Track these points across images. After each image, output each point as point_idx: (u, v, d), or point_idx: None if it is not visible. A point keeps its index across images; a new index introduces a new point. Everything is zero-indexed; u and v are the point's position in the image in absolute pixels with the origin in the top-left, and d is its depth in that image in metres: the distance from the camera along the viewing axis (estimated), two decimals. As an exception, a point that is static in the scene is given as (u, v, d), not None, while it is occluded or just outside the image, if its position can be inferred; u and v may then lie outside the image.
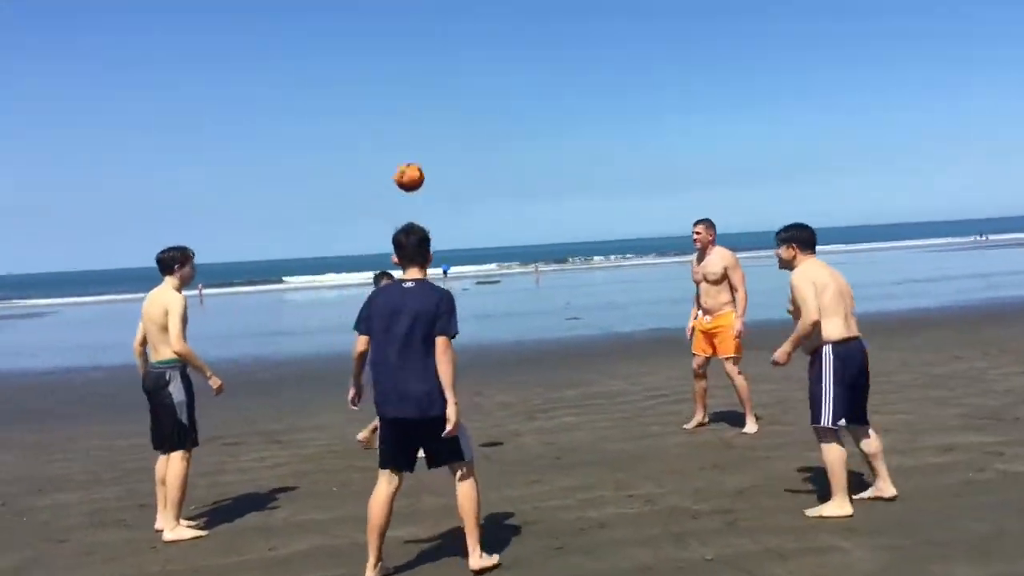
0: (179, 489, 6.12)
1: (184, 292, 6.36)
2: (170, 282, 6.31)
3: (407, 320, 4.90)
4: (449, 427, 4.85)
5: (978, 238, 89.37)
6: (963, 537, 5.12)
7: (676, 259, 74.22)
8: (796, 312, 5.79)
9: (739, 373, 8.28)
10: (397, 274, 5.64)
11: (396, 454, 5.04)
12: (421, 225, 5.15)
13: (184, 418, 6.25)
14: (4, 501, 7.45)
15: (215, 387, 6.27)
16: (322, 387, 13.16)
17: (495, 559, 5.12)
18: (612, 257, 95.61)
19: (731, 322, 8.26)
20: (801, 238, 5.91)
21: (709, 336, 8.39)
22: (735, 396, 8.49)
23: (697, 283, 8.45)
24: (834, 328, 5.68)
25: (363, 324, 5.09)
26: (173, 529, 6.09)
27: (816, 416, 5.70)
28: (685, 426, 8.59)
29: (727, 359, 8.29)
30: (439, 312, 4.92)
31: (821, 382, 5.68)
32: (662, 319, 21.73)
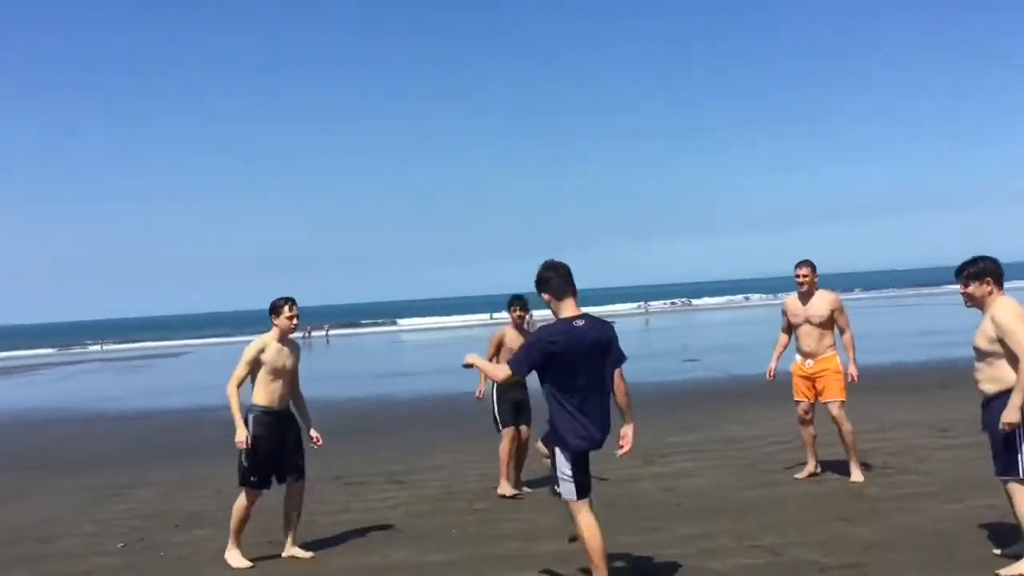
0: (232, 519, 6.67)
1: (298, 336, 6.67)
2: (273, 329, 6.67)
3: (598, 353, 5.11)
4: (626, 449, 5.26)
5: None
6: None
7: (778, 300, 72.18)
8: (988, 355, 5.33)
9: (846, 419, 7.95)
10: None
11: (588, 484, 5.24)
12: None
13: (241, 458, 6.63)
14: (143, 536, 7.82)
15: (237, 439, 6.54)
16: (438, 428, 13.35)
17: None
18: (725, 298, 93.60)
19: (835, 365, 8.01)
20: (995, 272, 5.40)
21: (811, 380, 8.11)
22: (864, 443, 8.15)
23: (797, 326, 8.20)
24: None
25: (524, 366, 5.14)
26: (228, 551, 6.68)
27: (1008, 468, 5.26)
28: (796, 476, 8.28)
29: (834, 403, 7.98)
30: (615, 345, 5.20)
31: (1016, 431, 5.18)
32: (782, 362, 21.03)
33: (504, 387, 8.74)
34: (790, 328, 8.33)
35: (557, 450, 5.17)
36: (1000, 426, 5.20)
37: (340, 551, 6.87)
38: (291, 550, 6.77)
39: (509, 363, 5.26)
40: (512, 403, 8.50)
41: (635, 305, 75.90)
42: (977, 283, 5.40)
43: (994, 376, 5.31)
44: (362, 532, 7.39)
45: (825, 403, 8.04)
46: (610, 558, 6.07)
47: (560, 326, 5.14)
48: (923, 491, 7.47)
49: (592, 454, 5.23)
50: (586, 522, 5.14)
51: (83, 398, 25.12)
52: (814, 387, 8.11)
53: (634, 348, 31.65)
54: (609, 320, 5.45)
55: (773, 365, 8.45)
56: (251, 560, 6.65)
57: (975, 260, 5.48)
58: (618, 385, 5.22)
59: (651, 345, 33.59)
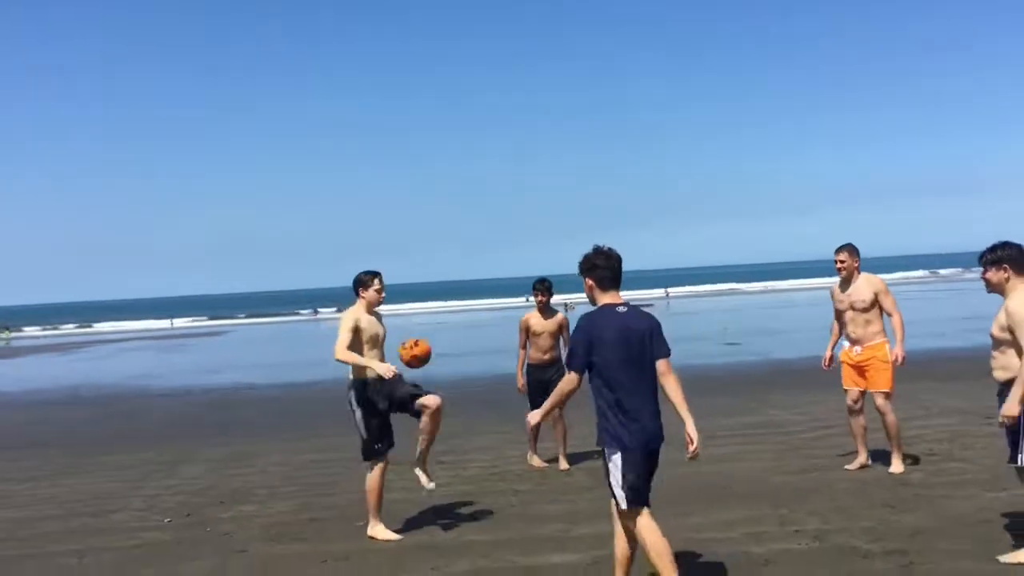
0: (368, 497, 6.76)
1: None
2: (358, 302, 6.82)
3: (640, 345, 4.79)
4: (694, 448, 4.82)
5: None
6: None
7: (823, 282, 71.33)
8: (1000, 343, 5.33)
9: (891, 410, 7.80)
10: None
11: (648, 489, 4.90)
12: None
13: (361, 431, 6.71)
14: (190, 511, 7.98)
15: (386, 373, 6.50)
16: (481, 410, 13.42)
17: None
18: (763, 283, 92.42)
19: (883, 354, 7.78)
20: (1014, 258, 5.35)
21: (860, 369, 7.94)
22: (887, 432, 7.97)
23: (842, 312, 8.05)
24: None
25: (579, 360, 4.82)
26: (371, 527, 6.76)
27: (1012, 456, 5.31)
28: (847, 467, 8.12)
29: (880, 393, 7.81)
30: (656, 335, 4.84)
31: (1020, 423, 5.19)
32: (823, 346, 20.81)
33: (536, 368, 8.81)
34: (840, 315, 8.16)
35: (606, 451, 4.85)
36: (999, 419, 5.20)
37: (389, 529, 6.94)
38: (418, 472, 6.93)
39: (567, 365, 4.92)
40: (539, 383, 8.63)
41: (660, 291, 75.32)
42: (995, 269, 5.38)
43: (1005, 364, 5.33)
44: (406, 512, 7.47)
45: (872, 392, 7.90)
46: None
47: (603, 312, 4.90)
48: (968, 479, 7.38)
49: None
50: (652, 531, 4.79)
51: (127, 375, 25.59)
52: (863, 375, 7.96)
53: (673, 331, 31.59)
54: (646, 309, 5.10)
55: (828, 354, 8.25)
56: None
57: (995, 247, 5.45)
58: (667, 378, 4.86)
59: (693, 328, 33.40)
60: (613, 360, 4.75)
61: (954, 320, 24.58)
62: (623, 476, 4.76)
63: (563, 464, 8.83)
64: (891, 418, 7.80)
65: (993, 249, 5.44)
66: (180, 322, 72.45)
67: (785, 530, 6.25)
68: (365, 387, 6.66)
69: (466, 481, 8.55)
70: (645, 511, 4.80)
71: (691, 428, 4.80)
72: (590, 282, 4.97)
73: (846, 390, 8.08)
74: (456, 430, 11.08)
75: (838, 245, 8.03)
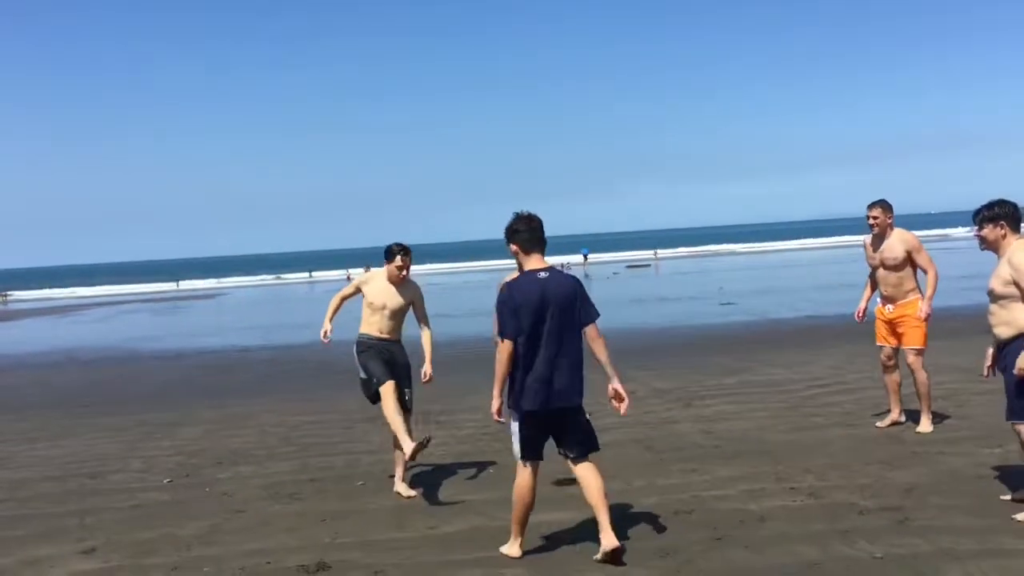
0: (391, 428, 6.73)
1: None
2: (385, 268, 6.99)
3: (556, 309, 4.95)
4: (624, 403, 5.14)
5: None
6: None
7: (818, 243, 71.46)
8: (1002, 297, 5.31)
9: (923, 367, 7.72)
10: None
11: (538, 448, 5.14)
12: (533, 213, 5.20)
13: (360, 373, 6.96)
14: (188, 472, 8.00)
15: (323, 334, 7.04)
16: (474, 370, 13.42)
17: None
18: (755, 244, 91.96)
19: (915, 311, 7.66)
20: (1010, 215, 5.39)
21: (892, 326, 7.84)
22: (913, 389, 7.99)
23: (874, 268, 7.95)
24: None
25: (511, 326, 4.98)
26: (402, 442, 6.66)
27: (1019, 413, 5.30)
28: (878, 424, 8.02)
29: (911, 350, 7.73)
30: (579, 300, 4.99)
31: None
32: (820, 306, 21.04)
33: None
34: (873, 271, 8.00)
35: (511, 407, 5.09)
36: (1015, 371, 5.18)
37: (383, 490, 6.98)
38: (398, 486, 6.92)
39: (499, 333, 5.05)
40: None
41: (650, 252, 75.21)
42: (991, 226, 5.44)
43: (1008, 319, 5.32)
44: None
45: (905, 348, 7.79)
46: (649, 501, 6.14)
47: (525, 278, 5.06)
48: (962, 435, 7.41)
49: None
50: (520, 476, 5.13)
51: (124, 338, 25.59)
52: (895, 333, 7.85)
53: (671, 291, 31.72)
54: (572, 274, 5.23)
55: (863, 306, 8.13)
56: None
57: (991, 204, 5.49)
58: (595, 343, 5.03)
59: (689, 288, 33.44)
60: (528, 325, 4.93)
61: (949, 279, 24.58)
62: (520, 431, 5.08)
63: None
64: (921, 376, 7.70)
65: (991, 206, 5.47)
66: (187, 284, 72.26)
67: (782, 487, 6.28)
68: (364, 339, 6.96)
69: (461, 441, 8.58)
70: (529, 466, 5.11)
71: (618, 385, 5.05)
72: (514, 247, 5.16)
73: (880, 347, 7.99)
74: (451, 391, 11.11)
75: (870, 201, 7.87)
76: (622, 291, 33.46)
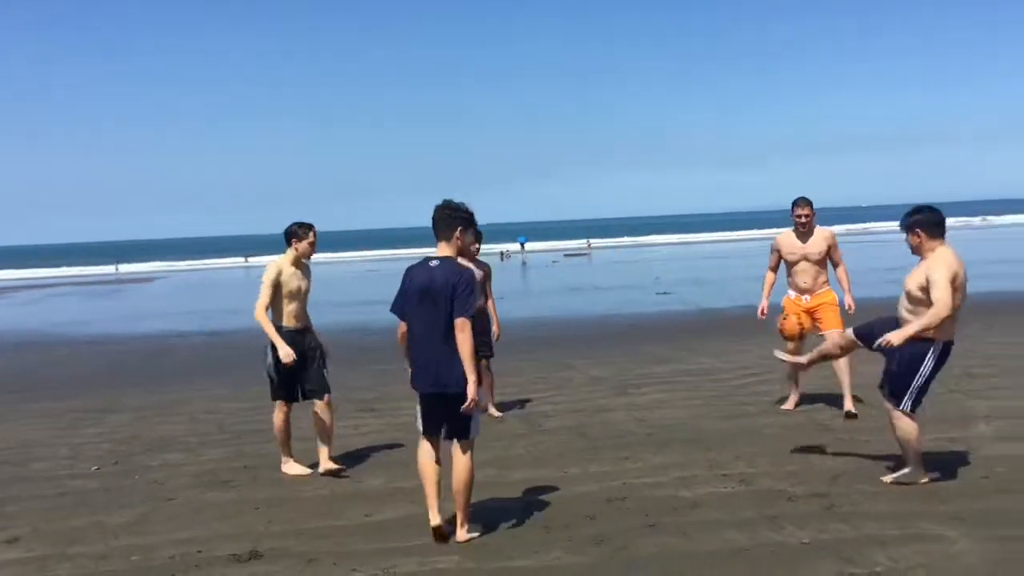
0: (277, 436, 7.11)
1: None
2: (288, 252, 6.93)
3: (433, 298, 5.11)
4: (468, 404, 5.09)
5: None
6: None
7: (750, 234, 72.93)
8: (916, 301, 5.69)
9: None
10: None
11: (430, 424, 5.38)
12: (463, 204, 5.29)
13: (271, 372, 6.92)
14: (117, 460, 7.84)
15: (284, 358, 6.73)
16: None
17: (479, 531, 5.39)
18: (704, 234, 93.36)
19: (832, 298, 8.15)
20: (925, 222, 5.78)
21: (809, 314, 8.14)
22: (832, 378, 8.29)
23: (793, 263, 8.24)
24: (949, 328, 5.70)
25: (396, 306, 5.34)
26: (283, 464, 7.11)
27: (896, 399, 5.83)
28: (783, 407, 8.42)
29: (832, 332, 7.88)
30: (457, 293, 5.07)
31: (915, 374, 5.74)
32: (754, 296, 21.22)
33: None
34: (778, 265, 8.40)
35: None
36: (882, 341, 5.65)
37: (316, 478, 6.93)
38: (325, 464, 6.99)
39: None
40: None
41: (583, 242, 75.61)
42: (909, 234, 5.85)
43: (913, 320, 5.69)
44: (335, 459, 7.46)
45: (824, 334, 8.02)
46: (582, 489, 6.20)
47: (420, 264, 5.29)
48: (886, 424, 7.59)
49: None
50: (420, 451, 5.41)
51: (54, 322, 24.90)
52: (812, 320, 8.11)
53: (608, 280, 31.95)
54: (470, 268, 5.28)
55: (764, 304, 8.49)
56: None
57: (910, 212, 5.91)
58: (458, 337, 5.06)
59: (627, 278, 33.75)
60: (411, 309, 5.23)
61: (875, 271, 25.25)
62: (418, 408, 5.40)
63: (494, 412, 8.87)
64: (845, 358, 7.92)
65: (908, 214, 5.88)
66: (127, 267, 70.11)
67: (713, 474, 6.40)
68: (279, 333, 6.84)
69: (397, 428, 8.54)
70: (426, 441, 5.39)
71: (471, 388, 5.06)
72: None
73: (787, 336, 8.20)
74: (388, 378, 11.07)
75: (795, 198, 8.27)
76: (561, 280, 33.63)
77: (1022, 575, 4.43)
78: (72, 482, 7.15)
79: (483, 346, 8.79)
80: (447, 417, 5.28)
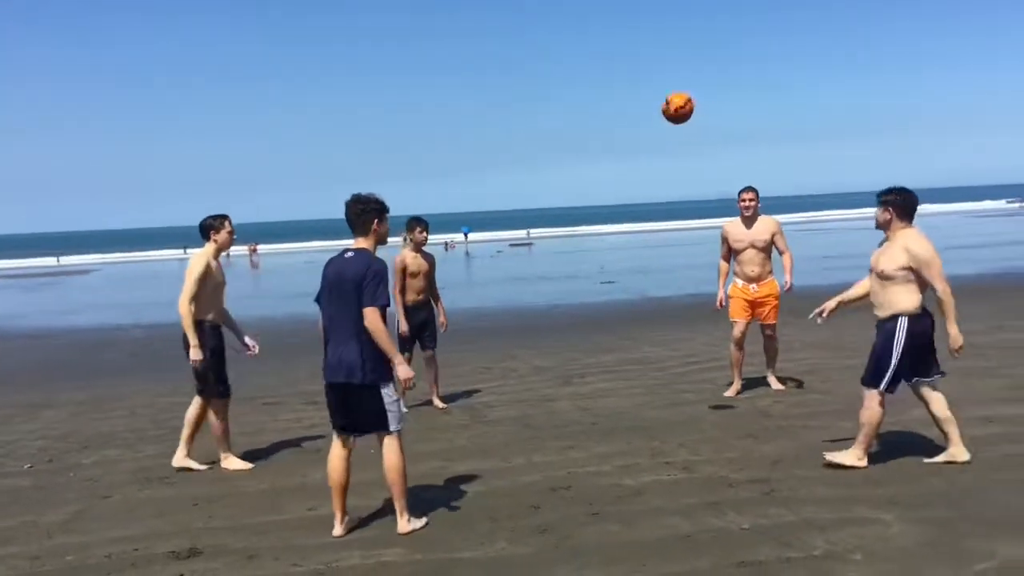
0: (186, 427, 7.05)
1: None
2: (208, 246, 6.78)
3: (344, 289, 5.10)
4: (406, 381, 5.12)
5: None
6: (1005, 513, 5.08)
7: (693, 223, 73.77)
8: (889, 279, 5.81)
9: (776, 338, 8.64)
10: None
11: (337, 418, 5.31)
12: (373, 195, 5.28)
13: (208, 372, 6.85)
14: (52, 457, 7.64)
15: (193, 356, 6.69)
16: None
17: (423, 521, 5.38)
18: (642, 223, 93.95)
19: (777, 291, 8.40)
20: (899, 203, 5.89)
21: (755, 304, 8.39)
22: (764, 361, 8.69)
23: (740, 251, 8.36)
24: (908, 299, 5.79)
25: (318, 296, 5.34)
26: (178, 457, 6.98)
27: (875, 380, 5.88)
28: (726, 394, 8.55)
29: (770, 325, 8.51)
30: (366, 283, 5.05)
31: (891, 354, 5.81)
32: (700, 284, 21.60)
33: (409, 310, 8.68)
34: (730, 254, 8.51)
35: None
36: (954, 351, 5.82)
37: (257, 472, 6.85)
38: (228, 461, 6.97)
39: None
40: (411, 326, 8.65)
41: (523, 232, 75.72)
42: (880, 209, 5.97)
43: (884, 301, 5.87)
44: (279, 453, 7.37)
45: (764, 324, 8.52)
46: (527, 478, 6.21)
47: (337, 255, 5.32)
48: (825, 409, 7.78)
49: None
50: (331, 452, 5.37)
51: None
52: (756, 310, 8.44)
53: (553, 270, 32.06)
54: (382, 260, 5.28)
55: (721, 294, 8.66)
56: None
57: (887, 190, 5.99)
58: (367, 324, 5.03)
59: (571, 267, 33.89)
60: (323, 298, 5.27)
61: (813, 259, 25.72)
62: (327, 404, 5.36)
63: (439, 404, 8.84)
64: (776, 344, 8.65)
65: (886, 192, 5.96)
66: (68, 259, 68.15)
67: (656, 462, 6.46)
68: (211, 328, 6.81)
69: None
70: (336, 438, 5.35)
71: (399, 368, 5.10)
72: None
73: (734, 322, 8.41)
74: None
75: (743, 186, 8.41)
76: (505, 270, 33.67)
77: (953, 555, 4.55)
78: (3, 481, 6.96)
79: (428, 338, 8.78)
80: (356, 410, 5.22)
